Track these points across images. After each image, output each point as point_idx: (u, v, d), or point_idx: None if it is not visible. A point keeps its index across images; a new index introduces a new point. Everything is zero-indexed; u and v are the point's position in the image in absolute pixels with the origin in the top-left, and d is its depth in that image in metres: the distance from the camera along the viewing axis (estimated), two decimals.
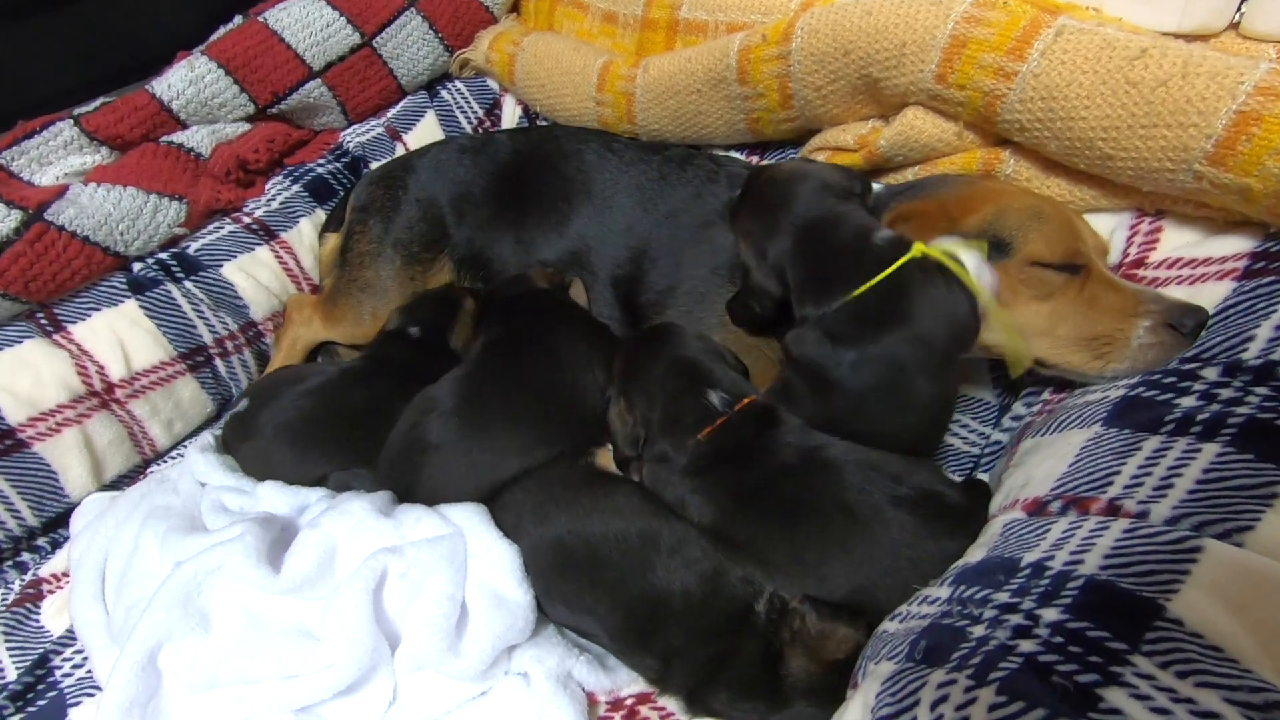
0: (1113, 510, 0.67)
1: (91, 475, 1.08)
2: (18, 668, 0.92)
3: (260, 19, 1.39)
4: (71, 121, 1.22)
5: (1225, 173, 0.82)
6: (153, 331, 1.17)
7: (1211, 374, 0.74)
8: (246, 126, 1.41)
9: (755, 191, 1.04)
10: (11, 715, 0.87)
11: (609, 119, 1.41)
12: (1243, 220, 0.87)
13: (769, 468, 0.82)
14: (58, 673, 0.91)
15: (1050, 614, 0.58)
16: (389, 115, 1.59)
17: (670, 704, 0.81)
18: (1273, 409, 0.66)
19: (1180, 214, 0.94)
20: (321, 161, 1.48)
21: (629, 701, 0.82)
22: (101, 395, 1.10)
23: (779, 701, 0.75)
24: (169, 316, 1.19)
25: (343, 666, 0.75)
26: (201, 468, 1.00)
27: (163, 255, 1.25)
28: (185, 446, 1.19)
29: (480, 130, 1.63)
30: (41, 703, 0.88)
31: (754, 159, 1.37)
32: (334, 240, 1.37)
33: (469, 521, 0.85)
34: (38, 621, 0.98)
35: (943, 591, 0.70)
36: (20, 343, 1.06)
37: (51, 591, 1.01)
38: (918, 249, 0.86)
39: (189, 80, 1.30)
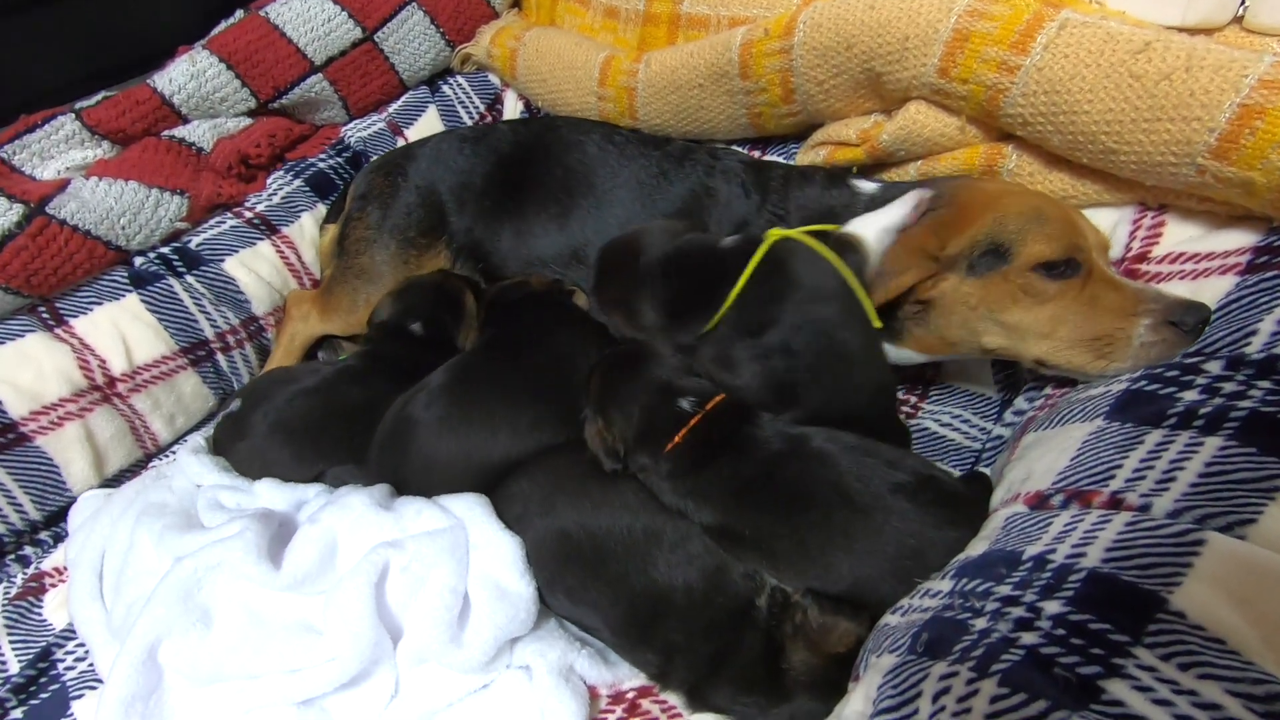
0: (1115, 503, 0.67)
1: (93, 469, 1.09)
2: (20, 661, 0.92)
3: (261, 13, 1.39)
4: (73, 115, 1.22)
5: (1228, 166, 0.81)
6: (154, 326, 1.17)
7: (1214, 368, 0.74)
8: (248, 121, 1.41)
9: (602, 264, 1.09)
10: (14, 708, 0.87)
11: (611, 114, 1.41)
12: (1246, 215, 0.87)
13: (758, 459, 0.82)
14: (60, 666, 0.91)
15: (1052, 606, 0.58)
16: (390, 110, 1.58)
17: (672, 698, 0.82)
18: (1275, 403, 0.66)
19: (1183, 208, 0.94)
20: (323, 156, 1.48)
21: (630, 695, 0.82)
22: (103, 389, 1.10)
23: (781, 696, 0.75)
24: (170, 311, 1.19)
25: (345, 659, 0.75)
26: (195, 469, 1.00)
27: (164, 250, 1.25)
28: (186, 441, 1.19)
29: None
30: (44, 696, 0.88)
31: (756, 153, 1.36)
32: (333, 230, 1.37)
33: (470, 513, 0.85)
34: (40, 615, 0.98)
35: (944, 584, 0.70)
36: (22, 336, 1.06)
37: (54, 585, 1.01)
38: (774, 233, 0.94)
39: (190, 74, 1.30)
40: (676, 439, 0.83)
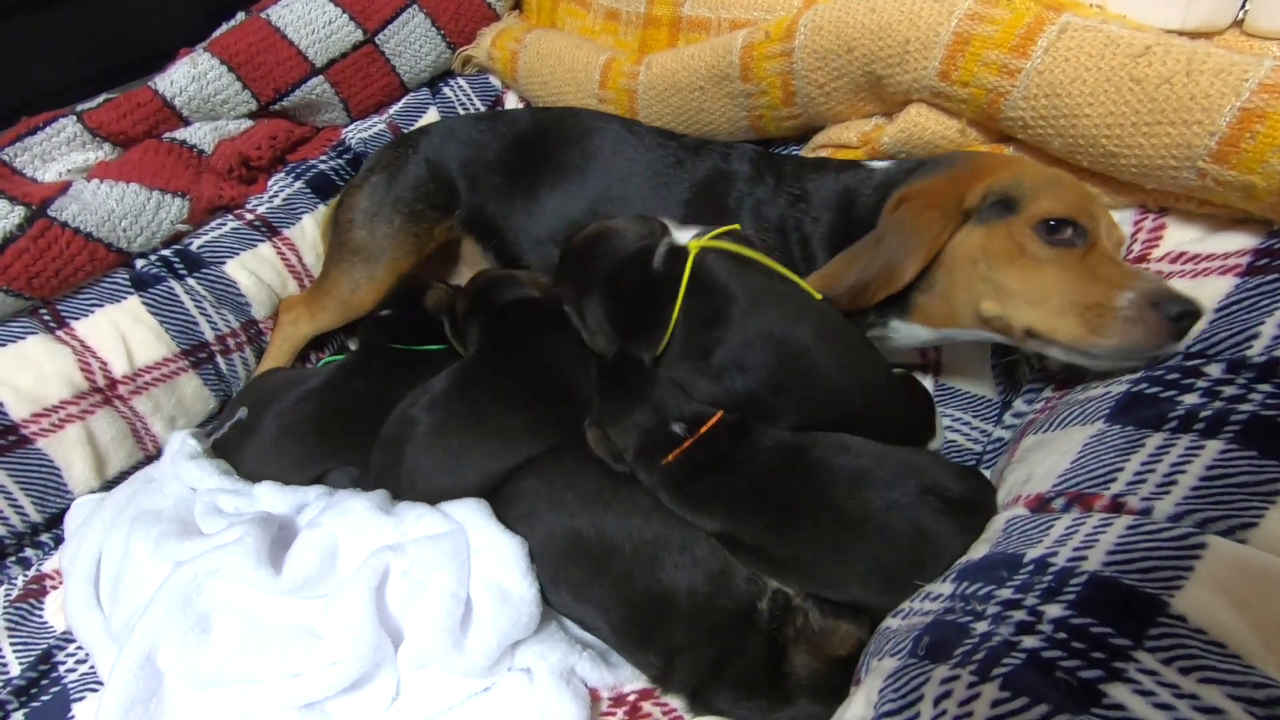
0: (1116, 507, 0.67)
1: (94, 471, 1.08)
2: (21, 663, 0.92)
3: (263, 16, 1.39)
4: (75, 118, 1.22)
5: (1229, 170, 0.81)
6: (155, 328, 1.17)
7: (1215, 371, 0.74)
8: (249, 123, 1.41)
9: (564, 256, 1.07)
10: (15, 710, 0.87)
11: None
12: (1246, 217, 0.87)
13: (752, 473, 0.82)
14: (61, 668, 0.91)
15: (1053, 610, 0.58)
16: (391, 112, 1.58)
17: (673, 701, 0.81)
18: (1276, 406, 0.67)
19: (1183, 211, 0.94)
20: (324, 158, 1.48)
21: (631, 698, 0.82)
22: (104, 391, 1.10)
23: (782, 700, 0.75)
24: (171, 313, 1.19)
25: (347, 664, 0.75)
26: (194, 474, 0.99)
27: (165, 252, 1.25)
28: (172, 443, 1.17)
29: None
30: (45, 698, 0.88)
31: None
32: (331, 205, 1.34)
33: (470, 517, 0.85)
34: (41, 617, 0.98)
35: (945, 588, 0.70)
36: (23, 339, 1.06)
37: (55, 587, 1.01)
38: (693, 247, 0.92)
39: (192, 77, 1.30)
40: (670, 458, 0.84)
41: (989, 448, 1.06)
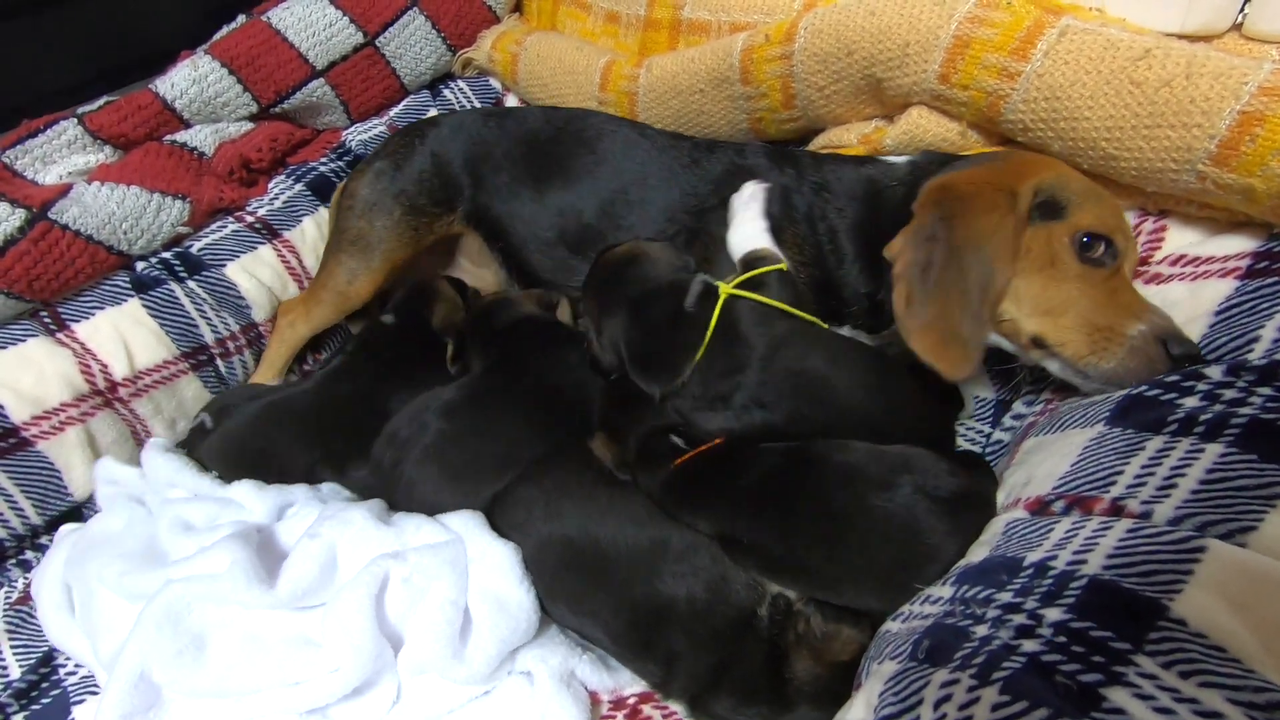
0: (1116, 510, 0.67)
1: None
2: (21, 665, 0.92)
3: (263, 18, 1.39)
4: (75, 120, 1.22)
5: (1229, 173, 0.82)
6: (156, 331, 1.17)
7: (1215, 373, 0.74)
8: (249, 125, 1.41)
9: (595, 269, 1.07)
10: (15, 713, 0.87)
11: None
12: (1246, 220, 0.87)
13: (748, 479, 0.82)
14: (61, 671, 0.91)
15: (1053, 614, 0.58)
16: (391, 114, 1.59)
17: (673, 704, 0.81)
18: (1276, 409, 0.66)
19: (1183, 214, 0.94)
20: (324, 160, 1.48)
21: (632, 701, 0.82)
22: (105, 394, 1.11)
23: (783, 706, 0.74)
24: (172, 316, 1.19)
25: (348, 670, 0.75)
26: (166, 471, 0.98)
27: (166, 254, 1.25)
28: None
29: None
30: (45, 701, 0.88)
31: None
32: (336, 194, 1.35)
33: (466, 528, 0.86)
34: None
35: (945, 591, 0.70)
36: (24, 341, 1.07)
37: None
38: (724, 292, 0.93)
39: (192, 79, 1.30)
40: (675, 464, 0.84)
41: (988, 449, 1.06)
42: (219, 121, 1.37)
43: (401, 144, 1.29)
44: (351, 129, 1.55)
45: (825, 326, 0.95)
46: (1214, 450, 0.66)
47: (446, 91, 1.64)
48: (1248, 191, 0.81)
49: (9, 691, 0.89)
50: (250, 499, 0.93)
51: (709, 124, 1.31)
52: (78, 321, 1.12)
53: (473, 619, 0.79)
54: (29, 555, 1.06)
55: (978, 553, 0.74)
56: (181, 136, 1.32)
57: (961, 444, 1.10)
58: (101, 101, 1.26)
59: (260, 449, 1.04)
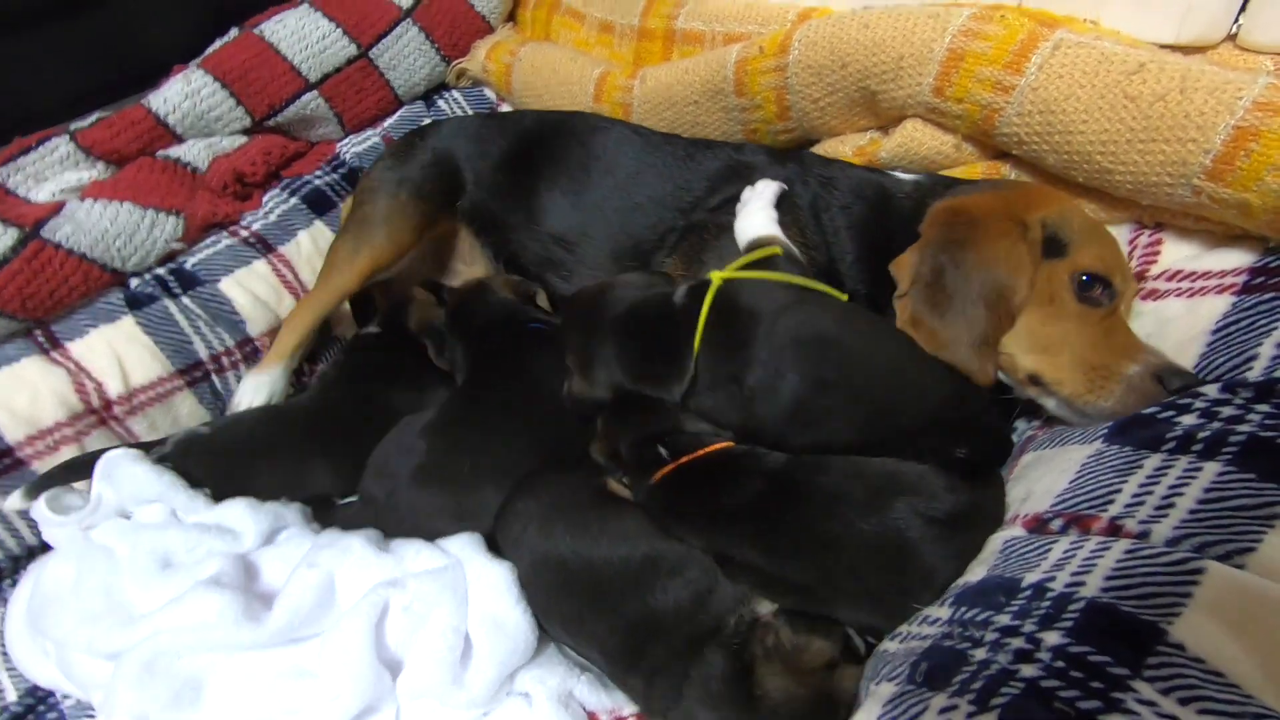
0: (1114, 530, 0.67)
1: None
2: (18, 689, 0.91)
3: (256, 31, 1.39)
4: (67, 137, 1.22)
5: (1224, 188, 0.82)
6: (150, 348, 1.16)
7: (1212, 391, 0.74)
8: (243, 139, 1.40)
9: (571, 310, 1.06)
10: None
11: None
12: (1243, 234, 0.87)
13: (735, 497, 0.82)
14: (58, 693, 0.90)
15: (1052, 638, 0.58)
16: (386, 125, 1.58)
17: None
18: (1274, 427, 0.66)
19: (1179, 227, 0.94)
20: (319, 173, 1.47)
21: None
22: (100, 412, 1.10)
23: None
24: (166, 332, 1.19)
25: (346, 699, 0.74)
26: (147, 487, 0.93)
27: (160, 271, 1.24)
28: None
29: None
30: None
31: None
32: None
33: (464, 550, 0.85)
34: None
35: (943, 612, 0.70)
36: (18, 360, 1.06)
37: None
38: (716, 278, 0.91)
39: (185, 94, 1.30)
40: (656, 477, 0.84)
41: None
42: (212, 136, 1.37)
43: (405, 143, 1.34)
44: (346, 141, 1.54)
45: (836, 294, 0.92)
46: (1212, 469, 0.66)
47: (441, 102, 1.64)
48: (1243, 206, 0.81)
49: (6, 715, 0.88)
50: (242, 521, 0.92)
51: (704, 135, 1.31)
52: (71, 340, 1.11)
53: (473, 644, 0.78)
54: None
55: (976, 571, 0.73)
56: (174, 151, 1.31)
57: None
58: (94, 117, 1.26)
59: (259, 448, 1.05)
